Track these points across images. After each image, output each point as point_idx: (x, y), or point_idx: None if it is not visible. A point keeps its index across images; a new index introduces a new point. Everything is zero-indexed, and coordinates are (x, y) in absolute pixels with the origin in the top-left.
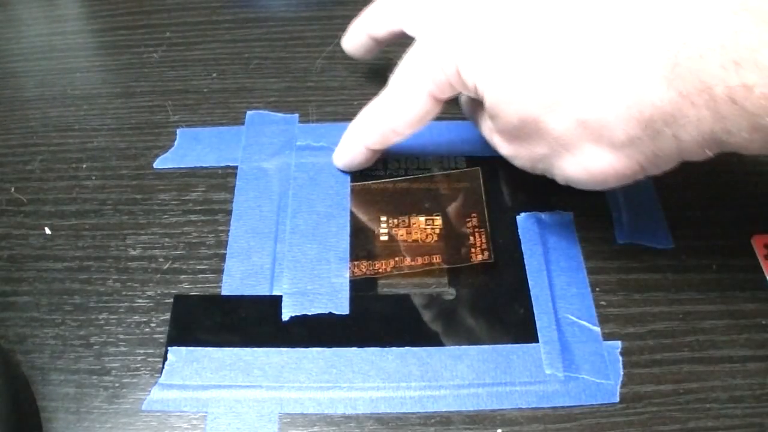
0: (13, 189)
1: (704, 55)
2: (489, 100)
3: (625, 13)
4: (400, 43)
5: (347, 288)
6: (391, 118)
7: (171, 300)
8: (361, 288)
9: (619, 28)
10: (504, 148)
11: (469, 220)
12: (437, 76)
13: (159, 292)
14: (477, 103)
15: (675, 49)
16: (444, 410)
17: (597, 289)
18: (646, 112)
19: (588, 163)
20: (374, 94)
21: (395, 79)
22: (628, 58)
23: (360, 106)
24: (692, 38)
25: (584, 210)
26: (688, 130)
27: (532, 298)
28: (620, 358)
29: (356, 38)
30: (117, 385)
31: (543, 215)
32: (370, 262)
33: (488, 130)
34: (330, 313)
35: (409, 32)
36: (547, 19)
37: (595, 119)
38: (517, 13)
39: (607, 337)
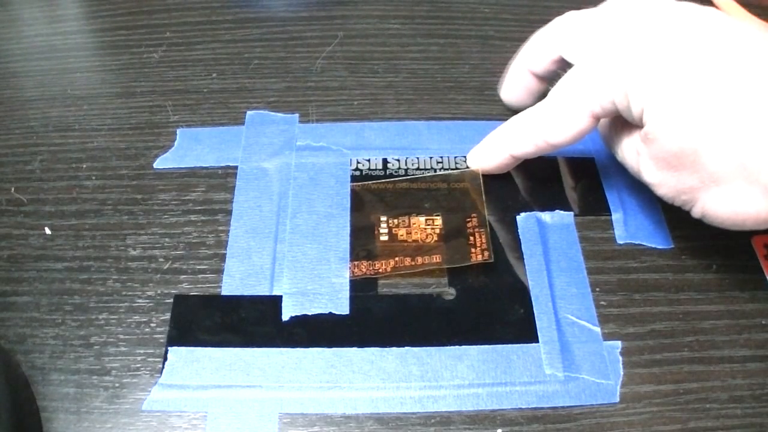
0: (13, 189)
1: None
2: (652, 125)
3: None
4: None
5: (347, 288)
6: (547, 130)
7: (171, 300)
8: (361, 288)
9: None
10: (652, 174)
11: (469, 220)
12: (603, 97)
13: (159, 292)
14: (624, 127)
15: None
16: (444, 410)
17: (597, 289)
18: None
19: (734, 202)
20: (374, 94)
21: (557, 93)
22: None
23: (360, 106)
24: None
25: (584, 210)
26: None
27: (532, 298)
28: (620, 358)
29: (517, 80)
30: (117, 385)
31: (543, 215)
32: (370, 262)
33: (635, 155)
34: (330, 313)
35: (570, 58)
36: (724, 55)
37: (756, 161)
38: (692, 44)
39: (607, 337)
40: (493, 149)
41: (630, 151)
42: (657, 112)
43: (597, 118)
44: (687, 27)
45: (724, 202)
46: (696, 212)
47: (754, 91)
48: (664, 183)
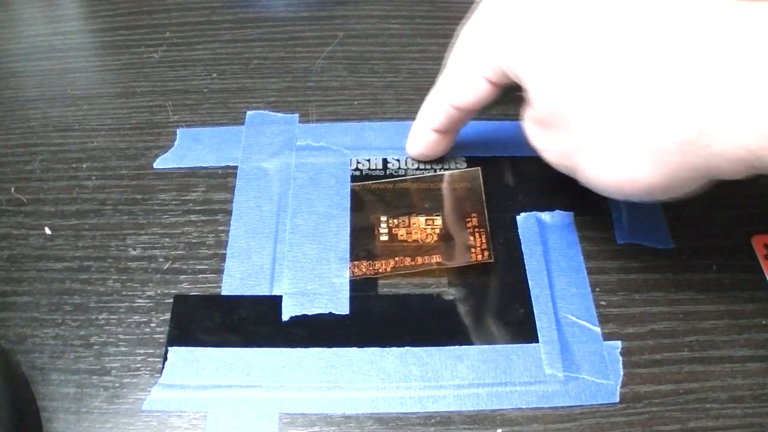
0: (13, 189)
1: None
2: (528, 87)
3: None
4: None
5: (347, 288)
6: (450, 96)
7: (171, 300)
8: (361, 288)
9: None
10: (535, 138)
11: (469, 220)
12: (488, 62)
13: (159, 292)
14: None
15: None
16: (444, 410)
17: (597, 289)
18: (693, 122)
19: (611, 166)
20: (374, 94)
21: (452, 60)
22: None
23: (360, 106)
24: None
25: (584, 210)
26: (727, 140)
27: (532, 298)
28: (620, 358)
29: (420, 137)
30: (117, 385)
31: (543, 215)
32: (370, 262)
33: (524, 121)
34: (330, 313)
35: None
36: (598, 14)
37: (639, 124)
38: (565, 5)
39: (607, 337)
40: (416, 132)
41: (524, 119)
42: (530, 73)
43: (493, 83)
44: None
45: (602, 166)
46: (581, 178)
47: (628, 52)
48: (545, 147)
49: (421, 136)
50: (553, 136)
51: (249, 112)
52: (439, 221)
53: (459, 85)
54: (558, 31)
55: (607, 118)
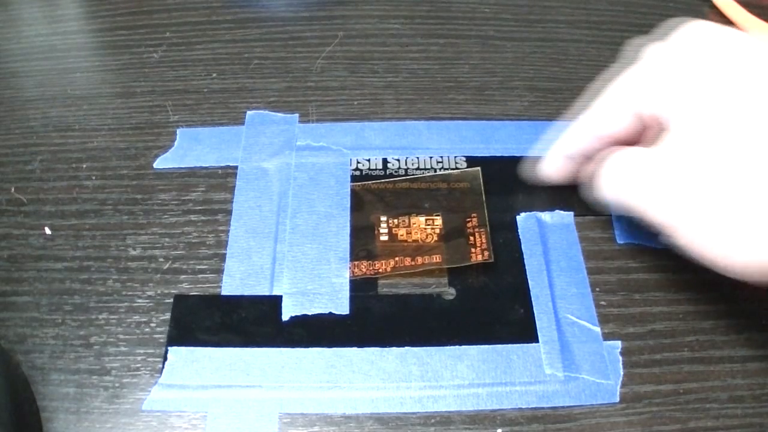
0: (13, 189)
1: None
2: (675, 131)
3: None
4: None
5: (347, 288)
6: (595, 124)
7: (171, 300)
8: (361, 288)
9: None
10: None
11: (469, 220)
12: (645, 103)
13: (159, 292)
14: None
15: None
16: (444, 410)
17: (597, 289)
18: None
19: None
20: (374, 94)
21: (605, 97)
22: None
23: (360, 106)
24: None
25: (584, 210)
26: None
27: (532, 298)
28: (620, 358)
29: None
30: (117, 385)
31: (543, 215)
32: (370, 262)
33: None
34: (330, 313)
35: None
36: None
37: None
38: (730, 91)
39: (607, 337)
40: (549, 156)
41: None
42: (682, 122)
43: (641, 119)
44: (735, 75)
45: (715, 236)
46: (678, 240)
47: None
48: (661, 191)
49: (552, 161)
50: (678, 188)
51: (249, 112)
52: (439, 221)
53: (610, 113)
54: (716, 84)
55: (745, 189)
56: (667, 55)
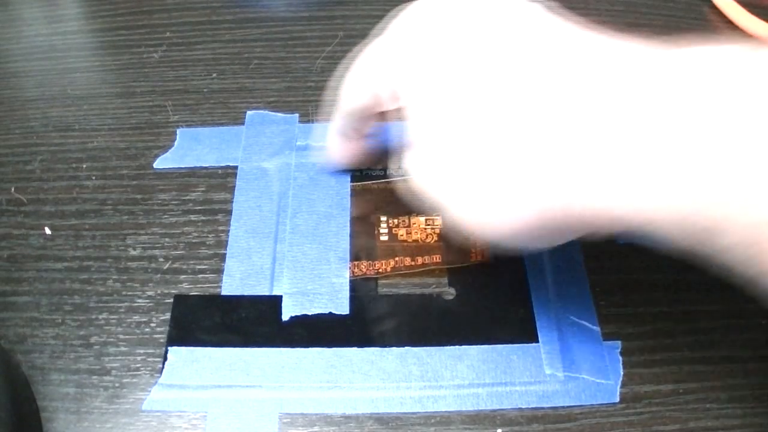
0: (13, 189)
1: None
2: (410, 108)
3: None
4: None
5: (347, 288)
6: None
7: (171, 300)
8: (361, 288)
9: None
10: (409, 159)
11: None
12: (385, 82)
13: (159, 292)
14: None
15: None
16: (444, 410)
17: (597, 289)
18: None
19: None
20: None
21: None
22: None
23: None
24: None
25: None
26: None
27: (532, 298)
28: (620, 358)
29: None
30: (117, 385)
31: None
32: (370, 262)
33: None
34: (330, 313)
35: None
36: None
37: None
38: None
39: (607, 337)
40: (328, 138)
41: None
42: (414, 99)
43: (379, 99)
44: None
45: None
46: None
47: (525, 103)
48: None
49: (330, 143)
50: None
51: (249, 112)
52: (439, 221)
53: (350, 95)
54: (446, 53)
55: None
56: (398, 30)
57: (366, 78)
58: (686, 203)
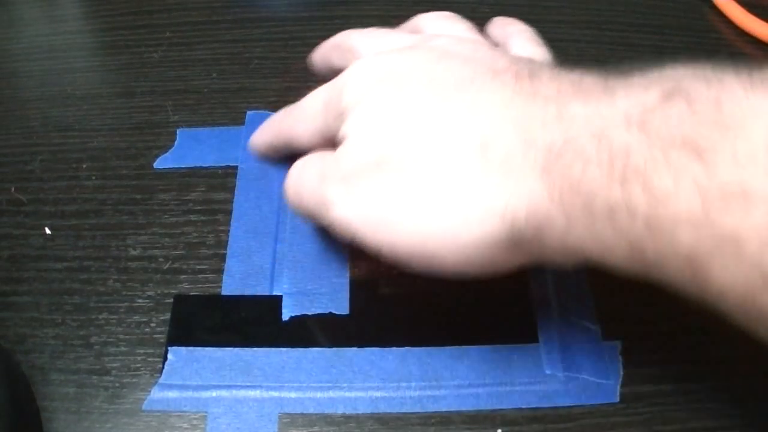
0: (13, 189)
1: (588, 162)
2: (349, 140)
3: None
4: None
5: (347, 288)
6: (290, 128)
7: (171, 300)
8: (361, 288)
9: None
10: (335, 190)
11: None
12: (332, 120)
13: (159, 292)
14: None
15: (556, 147)
16: (444, 410)
17: (597, 289)
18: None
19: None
20: None
21: (307, 100)
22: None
23: None
24: (576, 141)
25: None
26: (555, 237)
27: (532, 298)
28: (620, 358)
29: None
30: (117, 385)
31: None
32: (370, 261)
33: (317, 182)
34: (330, 313)
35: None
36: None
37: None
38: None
39: (607, 337)
40: (259, 136)
41: (310, 186)
42: (356, 130)
43: (321, 136)
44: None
45: (413, 224)
46: (385, 248)
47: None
48: (352, 208)
49: (260, 142)
50: (361, 192)
51: (249, 112)
52: None
53: (301, 123)
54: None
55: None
56: (348, 79)
57: (316, 120)
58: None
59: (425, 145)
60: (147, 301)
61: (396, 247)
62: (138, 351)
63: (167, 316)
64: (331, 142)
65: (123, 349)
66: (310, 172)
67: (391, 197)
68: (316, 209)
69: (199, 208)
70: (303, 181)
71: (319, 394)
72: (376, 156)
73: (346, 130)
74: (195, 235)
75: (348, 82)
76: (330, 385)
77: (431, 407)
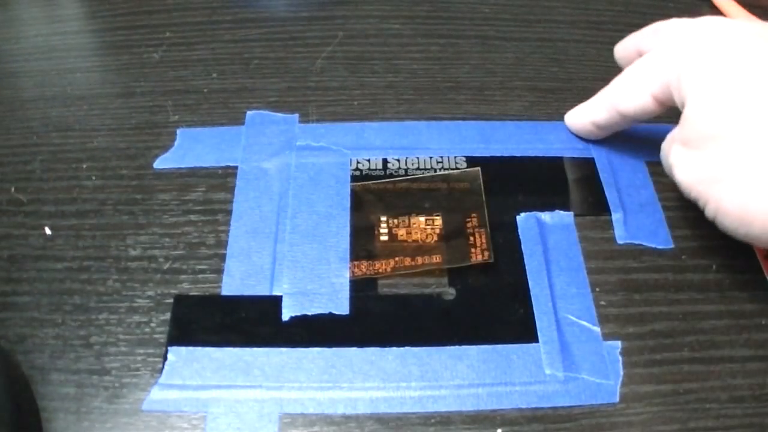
0: (13, 189)
1: None
2: (690, 109)
3: None
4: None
5: (347, 288)
6: (617, 99)
7: (171, 300)
8: (361, 288)
9: None
10: (677, 155)
11: (469, 220)
12: (661, 79)
13: (159, 292)
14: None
15: None
16: (444, 410)
17: (597, 289)
18: None
19: (746, 196)
20: (374, 94)
21: (631, 68)
22: None
23: (360, 106)
24: None
25: (584, 210)
26: None
27: (532, 298)
28: (620, 358)
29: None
30: (117, 385)
31: (543, 215)
32: (370, 262)
33: (670, 141)
34: (330, 313)
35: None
36: (755, 65)
37: None
38: (736, 53)
39: (607, 337)
40: (579, 117)
41: (669, 136)
42: (696, 98)
43: (658, 100)
44: (734, 37)
45: (736, 197)
46: (710, 209)
47: None
48: (685, 165)
49: (581, 123)
50: (696, 156)
51: (249, 112)
52: (439, 221)
53: (628, 93)
54: (732, 61)
55: (756, 150)
56: (680, 40)
57: (647, 82)
58: None
59: (761, 122)
60: (147, 301)
61: (725, 219)
62: (138, 351)
63: (167, 316)
64: (666, 106)
65: (123, 349)
66: (671, 133)
67: (722, 169)
68: (668, 170)
69: (199, 208)
70: (666, 139)
71: (319, 394)
72: (714, 128)
73: (686, 95)
74: (195, 235)
75: (681, 48)
76: (330, 385)
77: (431, 407)
